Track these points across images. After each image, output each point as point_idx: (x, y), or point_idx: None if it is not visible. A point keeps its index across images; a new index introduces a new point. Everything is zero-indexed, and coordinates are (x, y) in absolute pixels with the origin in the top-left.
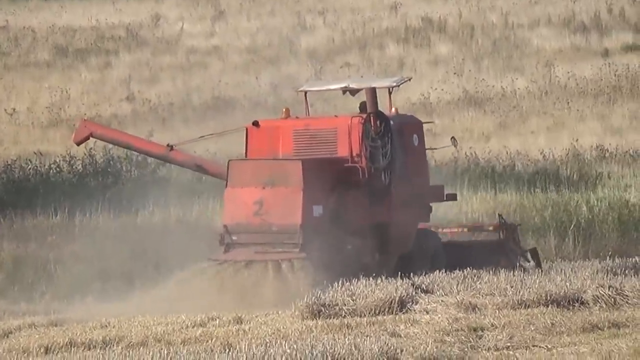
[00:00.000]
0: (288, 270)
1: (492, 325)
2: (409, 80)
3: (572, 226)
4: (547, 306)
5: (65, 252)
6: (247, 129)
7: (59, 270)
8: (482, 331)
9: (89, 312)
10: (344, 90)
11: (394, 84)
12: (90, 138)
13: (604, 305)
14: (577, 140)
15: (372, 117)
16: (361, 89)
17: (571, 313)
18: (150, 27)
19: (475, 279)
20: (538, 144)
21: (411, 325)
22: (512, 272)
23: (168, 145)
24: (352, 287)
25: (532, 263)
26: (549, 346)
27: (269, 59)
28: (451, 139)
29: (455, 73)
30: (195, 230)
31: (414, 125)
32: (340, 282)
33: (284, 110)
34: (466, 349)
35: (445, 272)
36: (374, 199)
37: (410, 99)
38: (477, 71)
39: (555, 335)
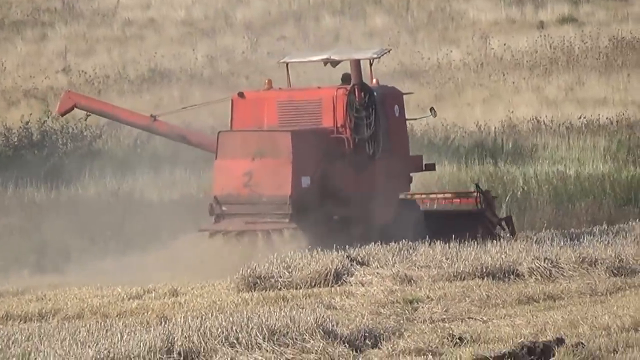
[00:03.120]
0: (278, 240)
1: (428, 297)
2: (389, 51)
3: (508, 198)
4: (483, 278)
5: (1, 224)
6: (232, 100)
7: None
8: (418, 303)
9: (25, 285)
10: (326, 61)
11: (375, 56)
12: (74, 109)
13: (539, 278)
14: (512, 112)
15: (356, 88)
16: (343, 61)
17: (506, 285)
18: None
19: (410, 251)
20: (474, 115)
21: (347, 297)
22: (447, 244)
23: (152, 115)
24: (287, 260)
25: (507, 231)
26: (485, 318)
27: (205, 31)
28: (430, 109)
29: (390, 45)
30: (130, 203)
31: (396, 96)
32: (275, 254)
33: (266, 81)
34: (402, 321)
35: (382, 244)
36: (359, 169)
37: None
38: (412, 43)
39: (490, 307)
